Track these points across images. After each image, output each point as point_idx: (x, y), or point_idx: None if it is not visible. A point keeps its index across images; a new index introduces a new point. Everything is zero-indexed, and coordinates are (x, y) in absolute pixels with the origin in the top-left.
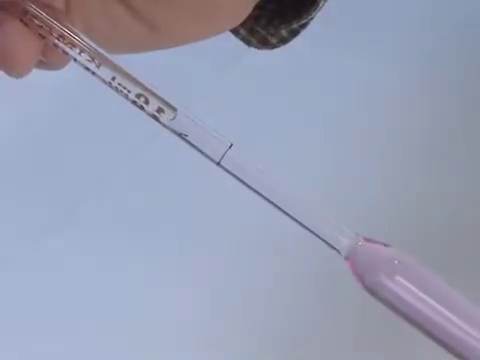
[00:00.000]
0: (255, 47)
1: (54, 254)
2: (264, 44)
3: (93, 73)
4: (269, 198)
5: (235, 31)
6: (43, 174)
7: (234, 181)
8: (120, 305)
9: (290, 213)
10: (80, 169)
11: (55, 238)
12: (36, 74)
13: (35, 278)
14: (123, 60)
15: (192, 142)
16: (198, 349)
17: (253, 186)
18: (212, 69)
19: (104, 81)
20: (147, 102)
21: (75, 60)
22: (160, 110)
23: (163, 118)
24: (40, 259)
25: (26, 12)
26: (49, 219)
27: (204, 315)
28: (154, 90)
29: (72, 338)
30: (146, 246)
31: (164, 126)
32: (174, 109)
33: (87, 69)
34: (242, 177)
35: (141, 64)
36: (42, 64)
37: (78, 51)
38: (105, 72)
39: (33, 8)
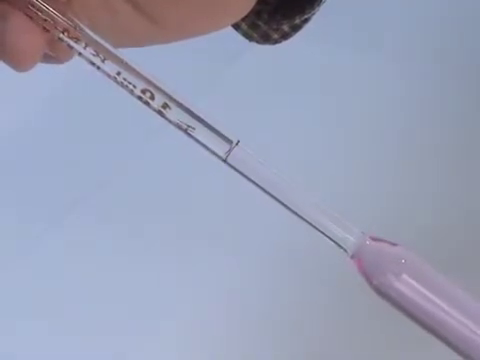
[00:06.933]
0: (256, 42)
1: (54, 253)
2: (266, 39)
3: (98, 68)
4: (276, 196)
5: (236, 26)
6: (43, 174)
7: (240, 179)
8: (120, 305)
9: (297, 211)
10: (80, 169)
11: (55, 237)
12: (36, 74)
13: (35, 277)
14: (126, 56)
15: (198, 138)
16: (200, 349)
17: (259, 184)
18: (213, 66)
19: (109, 76)
20: (153, 97)
21: (80, 54)
22: (166, 106)
23: (169, 114)
24: (40, 258)
25: (31, 5)
26: (49, 219)
27: (205, 315)
28: (160, 85)
29: (72, 337)
30: (146, 246)
31: (169, 122)
32: (182, 106)
33: (92, 64)
34: (249, 175)
35: (142, 61)
36: (47, 57)
37: (83, 45)
38: (110, 67)
39: (38, 1)
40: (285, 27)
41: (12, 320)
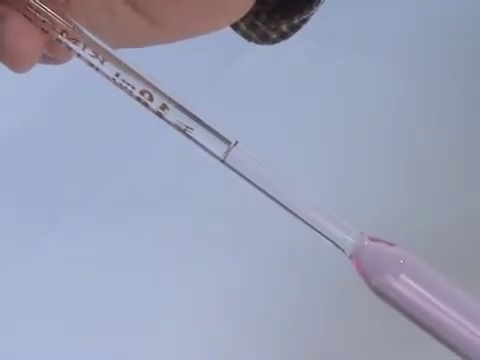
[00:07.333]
0: (255, 42)
1: (54, 253)
2: (264, 39)
3: (97, 69)
4: (274, 196)
5: (235, 26)
6: (42, 174)
7: (239, 179)
8: (120, 305)
9: (295, 212)
10: (79, 169)
11: (55, 238)
12: (35, 75)
13: (35, 277)
14: (125, 57)
15: (196, 139)
16: (200, 349)
17: (258, 184)
18: (213, 66)
19: (108, 77)
20: (151, 99)
21: (79, 55)
22: (164, 107)
23: (167, 115)
24: (40, 258)
25: (29, 6)
26: (48, 219)
27: (205, 315)
28: (159, 86)
29: (72, 337)
30: (146, 246)
31: (168, 123)
32: (180, 107)
33: (91, 65)
34: (247, 175)
35: (141, 62)
36: (46, 58)
37: (82, 46)
38: (109, 68)
39: (36, 2)
40: (284, 27)
41: (12, 320)
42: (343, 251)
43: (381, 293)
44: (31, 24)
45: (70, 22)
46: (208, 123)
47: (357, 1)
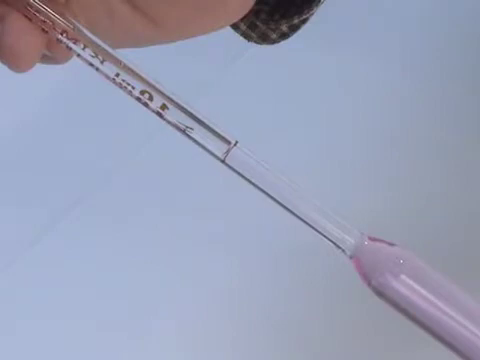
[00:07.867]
0: (255, 42)
1: (54, 253)
2: (264, 39)
3: (97, 69)
4: (274, 196)
5: (235, 26)
6: (43, 174)
7: (239, 179)
8: (120, 305)
9: (295, 212)
10: (79, 169)
11: (55, 238)
12: (36, 74)
13: (35, 277)
14: (125, 57)
15: (196, 139)
16: (200, 349)
17: (258, 184)
18: (213, 66)
19: (108, 77)
20: (151, 98)
21: (79, 55)
22: (164, 107)
23: (167, 115)
24: (40, 258)
25: (29, 6)
26: (49, 219)
27: (205, 315)
28: (159, 86)
29: (72, 337)
30: (146, 246)
31: (168, 123)
32: (180, 107)
33: (91, 65)
34: (247, 175)
35: (141, 62)
36: (45, 58)
37: (82, 47)
38: (109, 68)
39: (36, 2)
40: (284, 27)
41: (12, 320)
42: (343, 251)
43: (381, 293)
44: (31, 24)
45: (70, 22)
46: (208, 123)
47: (357, 1)
